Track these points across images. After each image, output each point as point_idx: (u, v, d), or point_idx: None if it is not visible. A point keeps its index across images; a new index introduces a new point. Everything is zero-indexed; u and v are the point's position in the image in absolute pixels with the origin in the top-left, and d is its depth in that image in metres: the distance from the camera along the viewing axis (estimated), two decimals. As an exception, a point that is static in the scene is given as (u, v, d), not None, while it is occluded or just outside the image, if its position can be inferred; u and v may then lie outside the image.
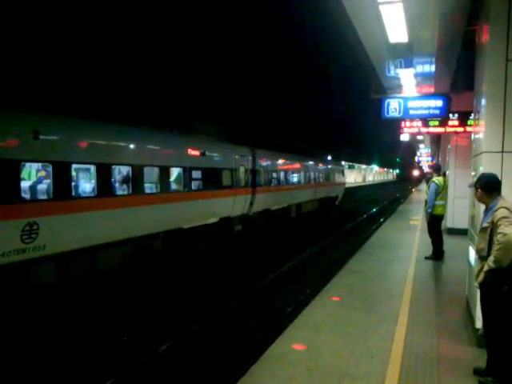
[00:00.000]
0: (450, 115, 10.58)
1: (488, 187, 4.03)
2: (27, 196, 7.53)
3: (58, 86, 17.39)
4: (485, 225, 3.94)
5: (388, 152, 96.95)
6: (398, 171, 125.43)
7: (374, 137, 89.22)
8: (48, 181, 7.72)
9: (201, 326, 6.85)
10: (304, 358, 4.53)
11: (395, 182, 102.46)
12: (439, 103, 9.48)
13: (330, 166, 27.16)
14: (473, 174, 5.74)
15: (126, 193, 9.28)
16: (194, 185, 11.61)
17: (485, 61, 4.97)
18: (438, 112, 9.54)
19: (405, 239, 12.12)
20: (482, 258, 3.96)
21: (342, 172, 30.86)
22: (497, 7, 4.67)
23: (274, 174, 17.38)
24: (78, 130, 8.51)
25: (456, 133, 11.39)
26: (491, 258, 3.77)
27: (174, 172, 10.95)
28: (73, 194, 8.14)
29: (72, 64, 19.66)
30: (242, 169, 14.41)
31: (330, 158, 38.20)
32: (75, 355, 5.86)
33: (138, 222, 9.53)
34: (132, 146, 9.76)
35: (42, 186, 7.94)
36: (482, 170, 4.80)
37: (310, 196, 22.31)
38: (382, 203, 33.49)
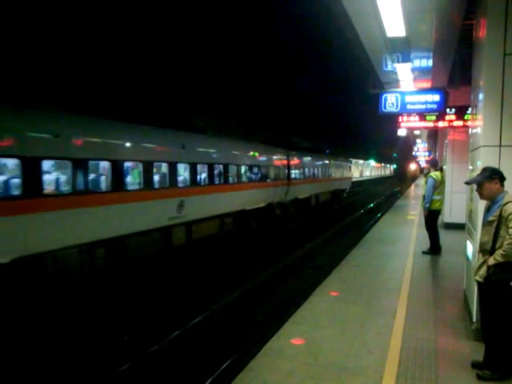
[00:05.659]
0: (447, 110, 10.57)
1: (503, 179, 3.97)
2: (180, 184, 11.19)
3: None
4: (491, 218, 3.88)
5: (385, 147, 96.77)
6: (394, 166, 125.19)
7: (371, 132, 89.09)
8: (187, 174, 11.52)
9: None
10: (303, 352, 4.54)
11: (393, 177, 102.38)
12: (436, 98, 9.47)
13: (340, 162, 30.75)
14: (470, 168, 5.74)
15: (221, 182, 13.17)
16: (252, 178, 15.49)
17: (482, 55, 4.96)
18: (435, 106, 9.53)
19: (402, 234, 12.16)
20: (485, 251, 3.93)
21: (350, 167, 34.89)
22: (494, 1, 4.66)
23: (301, 170, 20.89)
24: (200, 142, 12.64)
25: (453, 127, 11.39)
26: (500, 251, 3.73)
27: (243, 168, 14.81)
28: (201, 183, 12.13)
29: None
30: (281, 166, 18.07)
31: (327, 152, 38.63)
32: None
33: (228, 202, 13.58)
34: (226, 151, 13.95)
35: (188, 178, 11.51)
36: (479, 164, 4.80)
37: (326, 188, 25.96)
38: (380, 198, 33.78)
